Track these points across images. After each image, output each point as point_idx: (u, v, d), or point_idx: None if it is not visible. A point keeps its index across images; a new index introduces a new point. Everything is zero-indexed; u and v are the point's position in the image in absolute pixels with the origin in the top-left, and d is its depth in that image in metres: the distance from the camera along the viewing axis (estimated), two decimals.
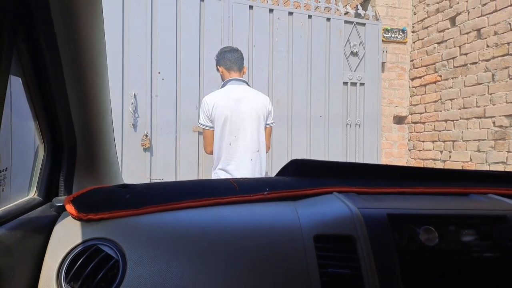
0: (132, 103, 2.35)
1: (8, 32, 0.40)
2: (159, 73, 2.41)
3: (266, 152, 1.89)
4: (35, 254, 0.45)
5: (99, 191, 0.57)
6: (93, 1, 0.52)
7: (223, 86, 1.83)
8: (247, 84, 1.83)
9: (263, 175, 1.82)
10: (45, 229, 0.49)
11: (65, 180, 0.58)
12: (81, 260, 0.44)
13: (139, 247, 0.45)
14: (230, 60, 1.80)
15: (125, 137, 2.35)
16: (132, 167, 2.34)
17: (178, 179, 2.43)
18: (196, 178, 2.49)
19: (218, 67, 1.86)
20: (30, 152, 0.59)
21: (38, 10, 0.44)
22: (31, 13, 0.44)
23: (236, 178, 0.65)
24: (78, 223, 0.48)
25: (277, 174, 0.68)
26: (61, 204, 0.52)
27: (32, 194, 0.56)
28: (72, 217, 0.49)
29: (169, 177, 2.42)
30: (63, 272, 0.44)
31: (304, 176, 0.64)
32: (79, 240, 0.46)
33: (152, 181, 2.38)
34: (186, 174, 2.46)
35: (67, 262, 0.44)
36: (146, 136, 2.37)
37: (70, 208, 0.49)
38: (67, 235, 0.47)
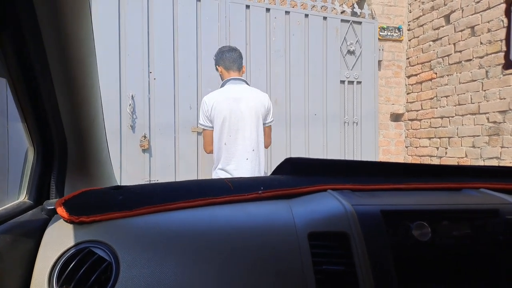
0: (130, 104, 2.34)
1: None
2: (150, 72, 2.40)
3: (266, 148, 1.91)
4: (26, 258, 0.44)
5: (91, 193, 0.56)
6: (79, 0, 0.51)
7: (222, 85, 1.83)
8: (246, 83, 1.83)
9: (262, 174, 1.83)
10: (36, 232, 0.48)
11: (56, 182, 0.57)
12: (73, 263, 0.43)
13: (132, 249, 0.45)
14: (229, 60, 1.80)
15: (124, 139, 2.34)
16: (131, 169, 2.34)
17: (178, 180, 2.43)
18: (195, 179, 2.49)
19: (217, 66, 1.86)
20: (20, 154, 0.57)
21: (23, 9, 0.43)
22: (15, 12, 0.43)
23: (230, 178, 0.65)
24: (70, 226, 0.48)
25: (273, 173, 0.68)
26: (52, 207, 0.51)
27: (23, 198, 0.55)
28: (64, 220, 0.48)
29: (169, 178, 2.41)
30: (55, 275, 0.43)
31: (299, 174, 0.64)
32: (71, 243, 0.45)
33: (148, 182, 2.38)
34: (186, 174, 2.46)
35: (59, 265, 0.44)
36: (145, 137, 2.37)
37: (61, 211, 0.48)
38: (58, 238, 0.46)
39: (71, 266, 0.43)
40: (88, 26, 0.54)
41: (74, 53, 0.53)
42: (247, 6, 2.67)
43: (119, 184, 0.63)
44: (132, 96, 2.35)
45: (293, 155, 2.72)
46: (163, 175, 2.40)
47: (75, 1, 0.49)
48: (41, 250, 0.46)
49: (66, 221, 0.48)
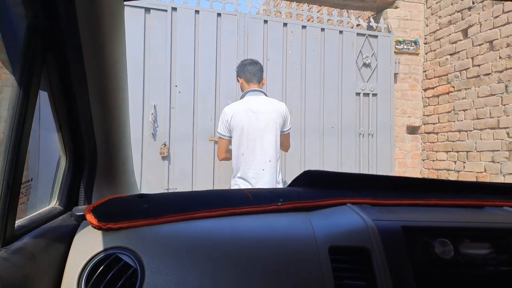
0: (152, 114, 2.46)
1: (40, 50, 0.43)
2: (176, 86, 2.52)
3: (286, 152, 2.06)
4: (57, 262, 0.46)
5: (118, 200, 0.58)
6: (117, 22, 0.54)
7: (242, 97, 1.91)
8: (265, 95, 1.91)
9: (280, 183, 1.88)
10: (66, 237, 0.50)
11: (85, 189, 0.60)
12: (101, 268, 0.45)
13: (157, 257, 0.46)
14: (250, 72, 1.88)
15: (145, 146, 2.46)
16: (151, 175, 2.45)
17: (194, 187, 2.51)
18: (212, 186, 2.56)
19: (238, 78, 1.95)
20: (54, 162, 0.60)
21: (67, 30, 0.47)
22: (61, 32, 0.47)
23: (250, 189, 0.67)
24: (98, 232, 0.49)
25: (290, 185, 0.69)
26: (81, 213, 0.53)
27: (54, 203, 0.58)
28: (92, 226, 0.50)
29: (186, 185, 2.50)
30: (83, 280, 0.44)
31: (317, 187, 0.64)
32: (99, 249, 0.47)
33: (169, 190, 2.47)
34: (202, 182, 2.54)
35: (88, 270, 0.45)
36: (165, 145, 2.48)
37: (90, 217, 0.50)
38: (87, 244, 0.48)
39: (98, 271, 0.45)
40: (123, 45, 0.59)
41: (110, 70, 0.56)
42: (265, 21, 2.77)
43: (140, 192, 0.65)
44: (154, 106, 2.47)
45: (308, 166, 2.76)
46: (180, 182, 2.49)
47: (114, 23, 0.53)
48: (71, 254, 0.47)
49: (95, 227, 0.50)
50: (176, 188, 2.49)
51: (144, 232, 0.50)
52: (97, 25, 0.50)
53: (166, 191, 2.44)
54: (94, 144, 0.59)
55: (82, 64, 0.50)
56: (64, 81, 0.51)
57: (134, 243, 0.48)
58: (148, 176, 2.44)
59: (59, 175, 0.59)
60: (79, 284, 0.45)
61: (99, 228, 0.49)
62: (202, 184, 2.53)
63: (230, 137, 1.85)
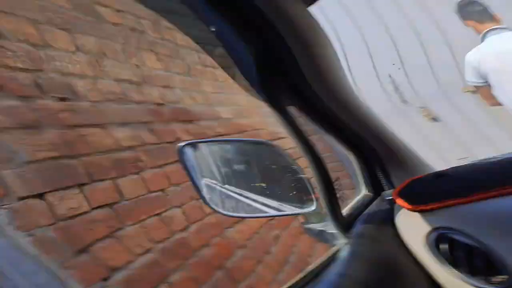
0: (392, 80, 2.30)
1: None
2: (393, 64, 2.42)
3: None
4: (395, 242, 0.51)
5: (417, 182, 0.59)
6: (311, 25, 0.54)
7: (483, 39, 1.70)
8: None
9: None
10: (388, 220, 0.55)
11: (384, 175, 0.64)
12: (446, 244, 0.46)
13: (490, 235, 0.44)
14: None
15: (402, 115, 2.24)
16: (429, 143, 2.16)
17: (488, 158, 2.08)
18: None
19: (466, 22, 1.76)
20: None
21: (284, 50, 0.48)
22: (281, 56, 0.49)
23: None
24: (414, 214, 0.51)
25: None
26: (390, 197, 0.57)
27: (365, 191, 0.65)
28: (406, 209, 0.52)
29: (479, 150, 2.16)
30: (433, 250, 0.47)
31: None
32: (427, 229, 0.48)
33: (463, 159, 2.10)
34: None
35: (432, 241, 0.47)
36: (424, 108, 2.22)
37: (401, 201, 0.53)
38: (413, 225, 0.51)
39: (445, 246, 0.46)
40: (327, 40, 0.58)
41: (325, 68, 0.56)
42: None
43: (438, 171, 0.64)
44: (389, 75, 2.33)
45: None
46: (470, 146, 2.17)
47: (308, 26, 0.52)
48: (405, 234, 0.51)
49: (409, 210, 0.51)
50: (467, 157, 2.08)
51: (459, 211, 0.49)
52: (298, 32, 0.50)
53: (460, 162, 2.03)
54: (363, 138, 0.63)
55: (304, 77, 0.52)
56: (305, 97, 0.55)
57: (456, 222, 0.47)
58: (429, 145, 2.16)
59: (355, 168, 0.66)
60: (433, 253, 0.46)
61: (413, 211, 0.51)
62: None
63: (485, 82, 1.69)
